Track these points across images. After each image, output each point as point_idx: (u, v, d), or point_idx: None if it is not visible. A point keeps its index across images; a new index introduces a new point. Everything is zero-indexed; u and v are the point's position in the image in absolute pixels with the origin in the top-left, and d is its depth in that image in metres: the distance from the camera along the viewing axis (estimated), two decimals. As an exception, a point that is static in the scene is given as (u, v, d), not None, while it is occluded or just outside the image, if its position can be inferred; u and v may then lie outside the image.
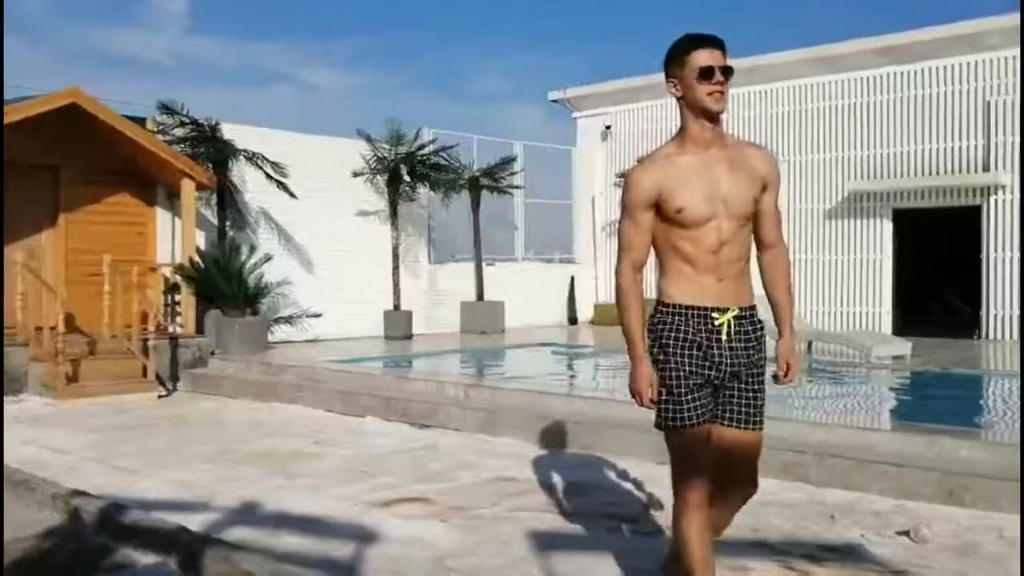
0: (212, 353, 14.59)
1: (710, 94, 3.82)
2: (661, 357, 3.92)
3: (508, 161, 20.74)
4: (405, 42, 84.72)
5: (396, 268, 18.83)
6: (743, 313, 3.94)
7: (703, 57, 3.82)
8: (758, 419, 3.99)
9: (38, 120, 13.67)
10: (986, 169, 17.92)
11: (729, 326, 3.89)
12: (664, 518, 6.00)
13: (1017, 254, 17.58)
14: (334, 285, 18.26)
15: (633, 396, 3.95)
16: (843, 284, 19.96)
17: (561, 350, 17.08)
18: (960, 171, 18.31)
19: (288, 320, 16.97)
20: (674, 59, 3.91)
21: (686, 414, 3.87)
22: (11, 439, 9.12)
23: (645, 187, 3.88)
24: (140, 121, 17.20)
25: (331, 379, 12.25)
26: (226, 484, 7.32)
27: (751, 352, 3.95)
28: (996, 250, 17.93)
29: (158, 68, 73.71)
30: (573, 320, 22.89)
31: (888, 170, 19.25)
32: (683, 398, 3.87)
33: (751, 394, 3.97)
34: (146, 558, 5.54)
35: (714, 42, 3.86)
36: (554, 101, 24.59)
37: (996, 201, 17.85)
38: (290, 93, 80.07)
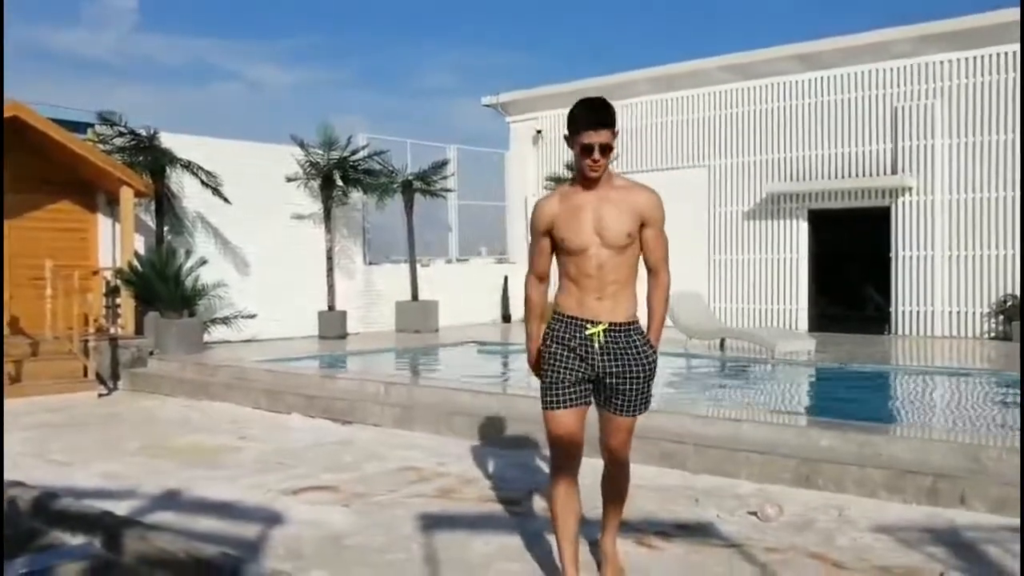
0: (151, 353, 15.11)
1: (590, 167, 4.72)
2: (546, 354, 4.92)
3: (441, 165, 21.40)
4: (351, 39, 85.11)
5: (330, 270, 19.45)
6: (615, 327, 4.81)
7: (586, 137, 4.68)
8: (631, 409, 4.91)
9: (-19, 132, 14.17)
10: (893, 172, 18.83)
11: (600, 336, 4.79)
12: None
13: (924, 252, 18.56)
14: (270, 286, 18.85)
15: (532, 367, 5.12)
16: (762, 282, 20.86)
17: (487, 348, 17.74)
18: (870, 174, 19.23)
19: (224, 321, 17.56)
20: (570, 126, 4.78)
21: (554, 399, 4.87)
22: (-48, 436, 9.73)
23: (544, 217, 4.89)
24: (85, 126, 17.73)
25: (259, 378, 12.90)
26: (152, 475, 7.98)
27: (625, 358, 4.82)
28: (904, 249, 18.87)
29: (106, 66, 73.76)
30: (507, 318, 23.52)
31: (804, 172, 20.14)
32: (554, 387, 4.87)
33: (628, 391, 4.86)
34: (74, 539, 6.20)
35: (600, 122, 4.71)
36: (487, 106, 25.23)
37: (903, 203, 18.77)
38: (236, 90, 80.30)
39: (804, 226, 20.23)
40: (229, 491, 7.37)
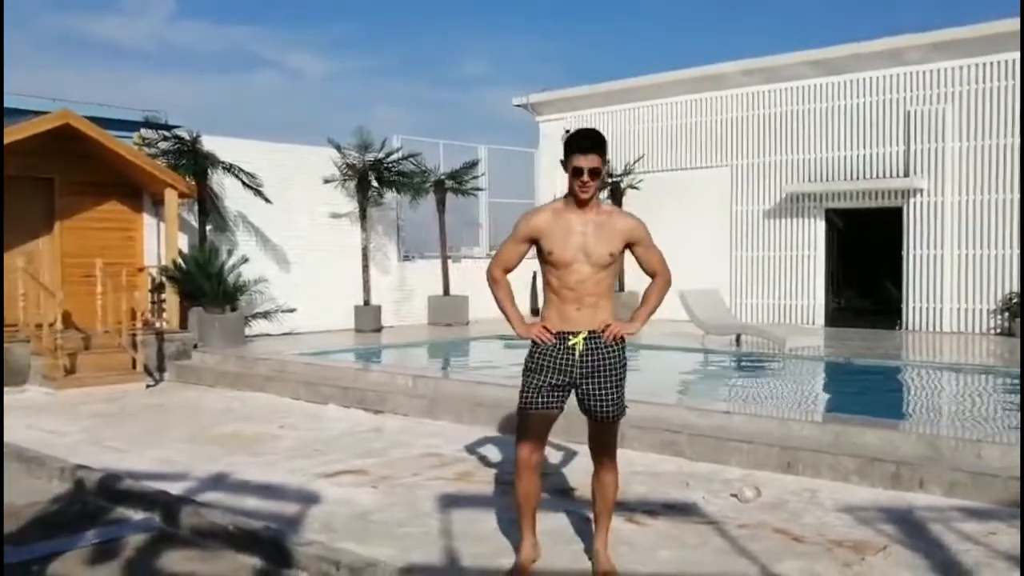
0: (195, 346, 16.01)
1: (579, 187, 5.24)
2: (529, 363, 5.49)
3: (472, 165, 22.25)
4: (387, 27, 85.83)
5: (366, 266, 20.33)
6: (594, 334, 5.40)
7: (577, 160, 5.23)
8: (612, 412, 5.47)
9: (34, 138, 15.17)
10: (905, 174, 19.53)
11: (581, 344, 5.36)
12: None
13: (934, 251, 19.27)
14: (308, 282, 19.80)
15: (524, 338, 5.55)
16: (780, 278, 21.64)
17: (513, 342, 18.48)
18: (883, 175, 19.93)
19: (265, 315, 18.49)
20: (564, 151, 5.37)
21: (531, 402, 5.42)
22: (16, 424, 10.73)
23: (530, 226, 5.42)
24: (127, 124, 18.64)
25: (298, 370, 13.79)
26: (199, 460, 8.87)
27: (602, 360, 5.41)
28: (916, 248, 19.58)
29: (143, 54, 74.86)
30: (536, 312, 24.21)
31: (821, 173, 20.86)
32: (533, 391, 5.41)
33: (606, 393, 5.43)
34: (136, 515, 7.12)
35: (591, 148, 5.24)
36: (518, 106, 26.02)
37: (915, 203, 19.47)
38: (273, 79, 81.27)
39: (821, 225, 20.97)
40: (269, 474, 8.24)
